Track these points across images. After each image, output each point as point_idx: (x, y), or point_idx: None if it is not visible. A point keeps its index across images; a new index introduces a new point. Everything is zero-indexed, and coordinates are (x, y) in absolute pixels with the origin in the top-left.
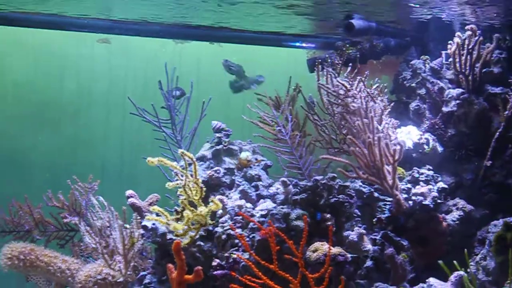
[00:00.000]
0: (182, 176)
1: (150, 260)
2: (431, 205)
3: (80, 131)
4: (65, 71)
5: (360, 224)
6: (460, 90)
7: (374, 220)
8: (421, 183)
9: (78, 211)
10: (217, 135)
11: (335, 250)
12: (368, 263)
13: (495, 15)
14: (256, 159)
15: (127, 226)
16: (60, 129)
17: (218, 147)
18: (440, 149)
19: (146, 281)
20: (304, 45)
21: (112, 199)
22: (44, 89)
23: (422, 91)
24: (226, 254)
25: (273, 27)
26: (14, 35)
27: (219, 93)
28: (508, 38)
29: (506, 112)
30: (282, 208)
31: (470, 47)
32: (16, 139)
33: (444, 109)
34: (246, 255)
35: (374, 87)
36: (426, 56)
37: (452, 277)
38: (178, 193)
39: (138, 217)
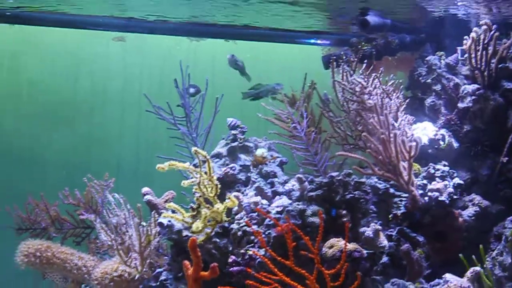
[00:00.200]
0: (197, 174)
1: (166, 257)
2: (447, 201)
3: (95, 129)
4: (80, 69)
5: (376, 220)
6: (476, 86)
7: (390, 216)
8: (437, 179)
9: (94, 209)
10: (233, 132)
11: (351, 246)
12: (384, 259)
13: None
14: (271, 156)
15: (144, 223)
16: (75, 128)
17: (233, 144)
18: (455, 145)
19: (162, 278)
20: (319, 42)
21: (128, 197)
22: (59, 87)
23: (438, 87)
24: (242, 251)
25: (288, 24)
26: (30, 34)
27: (234, 90)
28: None
29: None
30: (298, 204)
31: (485, 42)
32: (31, 138)
33: (460, 105)
34: (261, 252)
35: (389, 83)
36: (442, 52)
37: (468, 273)
38: (194, 190)
39: (156, 215)
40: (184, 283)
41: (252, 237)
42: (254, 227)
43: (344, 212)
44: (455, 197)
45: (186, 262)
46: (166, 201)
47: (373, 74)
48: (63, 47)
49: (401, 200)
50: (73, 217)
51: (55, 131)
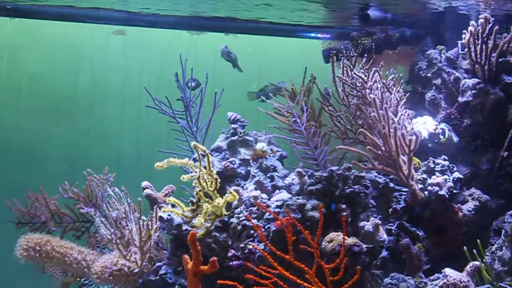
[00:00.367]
0: (196, 168)
1: (165, 251)
2: (447, 195)
3: (95, 124)
4: (80, 63)
5: (375, 215)
6: (476, 80)
7: (389, 210)
8: (436, 173)
9: (94, 203)
10: (233, 126)
11: (351, 240)
12: (384, 253)
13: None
14: (271, 150)
15: (144, 218)
16: (75, 122)
17: (233, 138)
18: (456, 139)
19: (162, 272)
20: (319, 35)
21: (128, 192)
22: (59, 81)
23: (438, 81)
24: (241, 245)
25: (289, 18)
26: (30, 27)
27: (234, 84)
28: None
29: None
30: (298, 199)
31: (484, 36)
32: (31, 132)
33: (460, 99)
34: (261, 246)
35: (390, 78)
36: (442, 46)
37: (467, 267)
38: (193, 184)
39: (157, 209)
40: (184, 277)
41: (252, 231)
42: (254, 221)
43: (343, 206)
44: (455, 191)
45: (186, 256)
46: (165, 195)
47: (373, 69)
48: (63, 41)
49: (401, 195)
50: (73, 211)
51: (55, 126)
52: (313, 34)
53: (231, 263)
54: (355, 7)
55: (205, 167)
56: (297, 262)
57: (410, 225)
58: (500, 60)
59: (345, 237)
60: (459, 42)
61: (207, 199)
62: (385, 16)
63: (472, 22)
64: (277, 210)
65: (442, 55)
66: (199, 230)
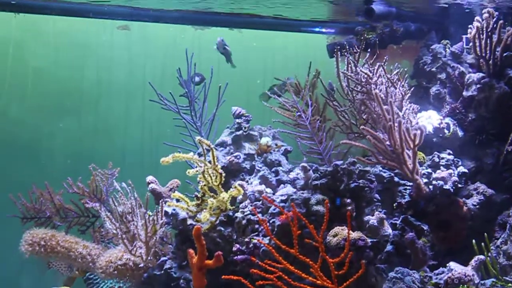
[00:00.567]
0: (201, 163)
1: (170, 246)
2: (452, 190)
3: (100, 119)
4: (85, 59)
5: (380, 209)
6: (481, 74)
7: (394, 204)
8: (441, 167)
9: (98, 197)
10: (237, 120)
11: (355, 235)
12: (389, 247)
13: None
14: (276, 144)
15: (150, 213)
16: (80, 118)
17: (238, 133)
18: (460, 133)
19: (167, 266)
20: (323, 30)
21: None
22: (64, 77)
23: (443, 76)
24: (246, 239)
25: (293, 13)
26: (34, 23)
27: (239, 78)
28: None
29: None
30: (302, 193)
31: (489, 30)
32: (36, 127)
33: (465, 93)
34: (266, 240)
35: (394, 72)
36: (447, 41)
37: (472, 261)
38: (198, 179)
39: (163, 204)
40: (189, 272)
41: (257, 226)
42: (259, 215)
43: (348, 200)
44: (459, 185)
45: (191, 251)
46: (170, 190)
47: (378, 64)
48: (68, 36)
49: (405, 189)
50: (78, 206)
51: (60, 121)
52: (317, 29)
53: (236, 257)
54: (360, 1)
55: (210, 162)
56: (302, 256)
57: (415, 220)
58: (504, 54)
59: (350, 231)
60: (464, 36)
61: (212, 194)
62: (390, 10)
63: (477, 17)
64: (281, 204)
65: (447, 49)
66: (204, 224)
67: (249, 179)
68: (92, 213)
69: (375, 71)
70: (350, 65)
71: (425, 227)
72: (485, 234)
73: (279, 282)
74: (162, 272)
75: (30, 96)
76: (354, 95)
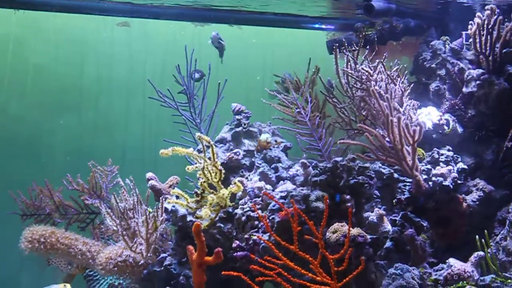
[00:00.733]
0: (201, 159)
1: (170, 242)
2: (451, 186)
3: (100, 116)
4: (85, 55)
5: (380, 205)
6: (481, 70)
7: (394, 201)
8: (441, 164)
9: (98, 194)
10: (237, 117)
11: (355, 231)
12: (388, 244)
13: None
14: (275, 141)
15: (150, 209)
16: (80, 114)
17: (237, 129)
18: (460, 129)
19: (166, 262)
20: (323, 26)
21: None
22: (64, 74)
23: (442, 72)
24: (246, 236)
25: (293, 9)
26: (34, 19)
27: (239, 75)
28: None
29: None
30: (302, 189)
31: (490, 26)
32: (36, 124)
33: (465, 89)
34: (265, 237)
35: (394, 69)
36: (446, 37)
37: (472, 258)
38: (198, 175)
39: (163, 200)
40: (188, 268)
41: (256, 222)
42: (258, 212)
43: (348, 197)
44: (459, 182)
45: (190, 247)
46: (170, 187)
47: (377, 60)
48: (68, 33)
49: (405, 185)
50: (78, 202)
51: (60, 118)
52: (317, 25)
53: (235, 254)
54: None
55: (209, 158)
56: (301, 253)
57: (415, 216)
58: (504, 50)
59: (350, 227)
60: (464, 32)
61: (212, 190)
62: (389, 6)
63: (478, 13)
64: (281, 201)
65: (447, 45)
66: (203, 221)
67: (249, 175)
68: (91, 209)
69: (374, 67)
70: (349, 62)
71: (425, 224)
72: (485, 230)
73: (279, 278)
74: (162, 268)
75: (30, 93)
76: (354, 92)
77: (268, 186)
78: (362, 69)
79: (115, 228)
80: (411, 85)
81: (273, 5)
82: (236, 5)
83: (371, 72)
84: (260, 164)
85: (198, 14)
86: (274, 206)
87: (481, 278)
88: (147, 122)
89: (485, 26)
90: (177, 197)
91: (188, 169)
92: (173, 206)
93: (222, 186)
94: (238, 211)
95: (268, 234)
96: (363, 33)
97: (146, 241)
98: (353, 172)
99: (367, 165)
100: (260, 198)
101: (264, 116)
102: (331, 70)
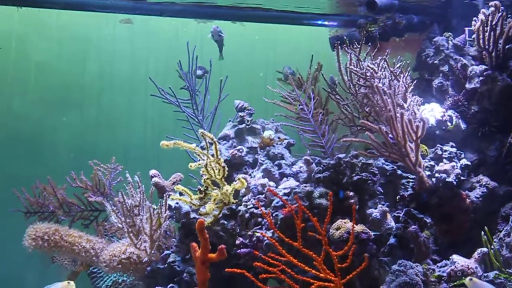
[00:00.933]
0: (204, 156)
1: (173, 239)
2: (455, 182)
3: (103, 113)
4: (88, 52)
5: (383, 202)
6: (484, 66)
7: (397, 197)
8: (444, 160)
9: (102, 191)
10: (240, 114)
11: (358, 227)
12: (392, 240)
13: None
14: (279, 137)
15: (154, 206)
16: (83, 112)
17: (240, 126)
18: (463, 126)
19: (170, 259)
20: (326, 23)
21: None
22: (66, 71)
23: (445, 68)
24: (249, 233)
25: (296, 5)
26: (37, 17)
27: (241, 72)
28: None
29: None
30: (305, 186)
31: (493, 23)
32: (39, 121)
33: (468, 86)
34: (269, 233)
35: (397, 65)
36: (449, 33)
37: (475, 254)
38: (201, 172)
39: (167, 197)
40: (192, 265)
41: (260, 219)
42: (262, 208)
43: (351, 193)
44: (462, 178)
45: (194, 244)
46: (173, 183)
47: (379, 57)
48: (70, 30)
49: (408, 182)
50: (81, 200)
51: (62, 115)
52: (320, 22)
53: (239, 250)
54: None
55: (212, 155)
56: (305, 249)
57: (418, 212)
58: (507, 46)
59: (354, 224)
60: (467, 28)
61: (215, 187)
62: (392, 2)
63: (483, 10)
64: (284, 197)
65: (449, 42)
66: (207, 218)
67: (252, 172)
68: (95, 207)
69: (377, 64)
70: (352, 59)
71: (428, 220)
72: (486, 227)
73: (282, 275)
74: (166, 265)
75: (33, 90)
76: (357, 88)
77: (272, 183)
78: (368, 66)
79: (120, 225)
80: (414, 81)
81: (275, 2)
82: (239, 2)
83: (376, 69)
84: (263, 161)
85: (201, 11)
86: (277, 202)
87: (485, 274)
88: (150, 119)
89: (488, 22)
90: (181, 194)
91: (191, 166)
92: (177, 203)
93: (225, 183)
94: (242, 208)
95: (271, 231)
96: (366, 30)
97: (150, 238)
98: (356, 168)
99: (370, 161)
100: (263, 195)
101: (267, 113)
102: (334, 66)
